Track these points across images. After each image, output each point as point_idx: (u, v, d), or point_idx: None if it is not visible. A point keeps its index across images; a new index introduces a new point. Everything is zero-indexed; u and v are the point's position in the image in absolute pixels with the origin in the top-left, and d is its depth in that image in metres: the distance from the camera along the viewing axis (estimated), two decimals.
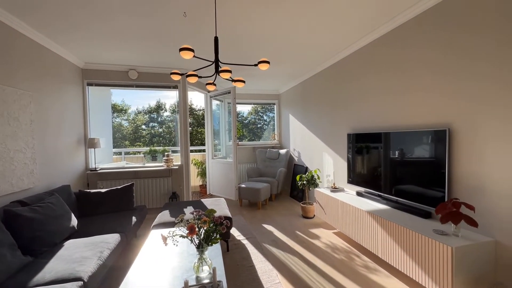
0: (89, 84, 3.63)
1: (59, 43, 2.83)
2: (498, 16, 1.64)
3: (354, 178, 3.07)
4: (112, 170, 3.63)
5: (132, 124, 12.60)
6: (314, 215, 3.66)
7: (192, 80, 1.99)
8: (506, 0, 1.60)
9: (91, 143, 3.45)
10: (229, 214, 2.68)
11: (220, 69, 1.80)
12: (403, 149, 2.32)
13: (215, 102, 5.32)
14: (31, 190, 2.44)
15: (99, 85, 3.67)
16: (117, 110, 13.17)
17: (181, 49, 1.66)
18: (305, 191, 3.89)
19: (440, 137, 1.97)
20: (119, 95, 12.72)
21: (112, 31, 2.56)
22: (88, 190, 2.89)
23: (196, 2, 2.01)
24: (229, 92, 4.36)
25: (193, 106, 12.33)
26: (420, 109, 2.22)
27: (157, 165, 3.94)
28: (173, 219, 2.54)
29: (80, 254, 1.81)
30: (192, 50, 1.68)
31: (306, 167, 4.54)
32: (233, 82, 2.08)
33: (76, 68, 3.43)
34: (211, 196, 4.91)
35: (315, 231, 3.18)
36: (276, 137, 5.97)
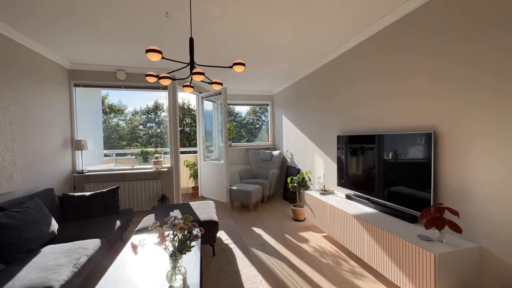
0: (76, 85, 3.57)
1: (43, 44, 2.77)
2: (482, 20, 1.60)
3: (343, 180, 3.03)
4: (100, 173, 3.57)
5: (129, 125, 12.51)
6: (305, 218, 3.61)
7: (165, 82, 1.94)
8: (487, 4, 1.56)
9: (77, 145, 3.39)
10: (215, 218, 2.63)
11: (194, 71, 1.74)
12: (390, 153, 2.28)
13: (209, 103, 5.27)
14: (10, 194, 2.38)
15: (87, 86, 3.61)
16: (113, 110, 13.08)
17: (147, 51, 1.59)
18: (296, 193, 3.84)
19: (426, 140, 1.93)
20: (116, 96, 12.62)
21: (97, 33, 2.52)
22: (72, 194, 2.83)
23: (177, 2, 1.97)
24: (220, 93, 4.31)
25: (191, 106, 12.26)
26: (408, 112, 2.19)
27: (146, 167, 3.88)
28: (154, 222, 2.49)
29: (55, 262, 1.75)
30: (159, 51, 1.62)
31: (299, 169, 4.50)
32: (212, 84, 2.04)
33: (62, 69, 3.37)
34: (202, 198, 4.86)
35: (305, 234, 3.13)
36: (269, 139, 5.93)
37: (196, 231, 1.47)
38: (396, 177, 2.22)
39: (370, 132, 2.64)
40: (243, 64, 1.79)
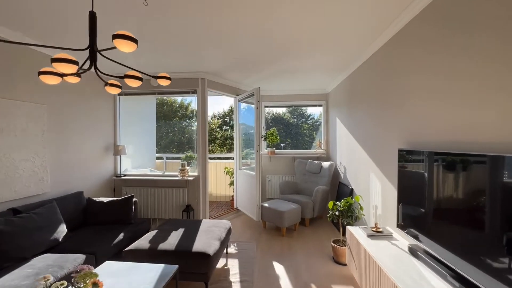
0: (120, 95, 3.82)
1: None
2: None
3: (406, 221, 1.89)
4: (134, 178, 3.69)
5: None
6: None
7: (112, 91, 1.54)
8: None
9: (116, 150, 3.59)
10: (209, 251, 2.10)
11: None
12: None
13: (251, 106, 4.82)
14: (40, 196, 2.60)
15: (128, 94, 3.81)
16: (195, 115, 14.71)
17: (115, 36, 1.18)
18: (339, 224, 2.84)
19: None
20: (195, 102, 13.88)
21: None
22: (95, 199, 2.93)
23: None
24: (253, 95, 3.76)
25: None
26: None
27: (173, 174, 3.77)
28: (149, 245, 2.18)
29: (17, 283, 1.65)
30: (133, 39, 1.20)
31: (352, 189, 3.40)
32: (158, 80, 1.52)
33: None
34: (237, 211, 4.43)
35: None
36: (322, 146, 4.92)
37: None
38: None
39: (464, 149, 1.48)
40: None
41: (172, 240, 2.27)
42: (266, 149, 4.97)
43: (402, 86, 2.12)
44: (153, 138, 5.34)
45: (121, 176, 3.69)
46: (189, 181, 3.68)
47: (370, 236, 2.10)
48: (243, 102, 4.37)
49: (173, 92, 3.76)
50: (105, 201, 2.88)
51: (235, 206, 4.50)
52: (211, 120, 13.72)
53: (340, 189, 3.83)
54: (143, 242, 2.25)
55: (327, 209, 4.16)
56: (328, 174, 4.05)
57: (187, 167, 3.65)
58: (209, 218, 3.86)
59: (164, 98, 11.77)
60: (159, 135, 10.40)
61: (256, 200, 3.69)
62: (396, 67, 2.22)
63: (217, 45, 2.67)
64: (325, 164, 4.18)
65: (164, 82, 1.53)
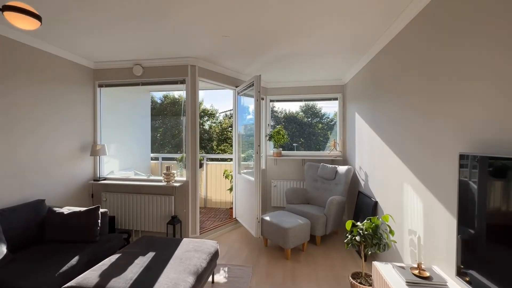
0: (101, 86, 3.32)
1: (54, 43, 2.51)
2: None
3: (472, 266, 1.16)
4: (115, 182, 3.17)
5: (218, 127, 13.18)
6: None
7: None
8: None
9: (93, 151, 3.09)
10: None
11: None
12: None
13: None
14: None
15: (109, 85, 3.30)
16: (206, 114, 14.26)
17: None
18: (361, 250, 2.12)
19: None
20: (210, 100, 13.35)
21: (108, 17, 1.97)
22: (56, 209, 2.41)
23: None
24: (253, 85, 3.12)
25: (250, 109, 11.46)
26: None
27: (157, 178, 3.21)
28: (96, 282, 1.61)
29: None
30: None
31: (376, 203, 2.65)
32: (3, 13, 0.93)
33: (84, 69, 3.17)
34: (236, 222, 3.80)
35: None
36: (337, 147, 4.17)
37: None
38: None
39: None
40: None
41: (130, 274, 1.68)
42: (272, 150, 4.30)
43: (468, 57, 1.38)
44: (147, 137, 4.85)
45: (99, 180, 3.19)
46: (176, 187, 3.10)
47: (411, 284, 1.39)
48: (244, 95, 3.73)
49: (159, 82, 3.20)
50: (65, 212, 2.35)
51: (234, 216, 3.88)
52: (223, 120, 13.21)
53: (360, 200, 3.09)
54: (91, 275, 1.68)
55: (343, 223, 3.44)
56: (344, 181, 3.32)
57: (174, 171, 3.08)
58: (200, 232, 3.26)
59: (169, 93, 11.37)
60: (161, 133, 9.96)
61: (255, 211, 3.04)
62: (457, 29, 1.48)
63: (200, 19, 2.06)
64: (341, 168, 3.45)
65: (18, 21, 0.96)
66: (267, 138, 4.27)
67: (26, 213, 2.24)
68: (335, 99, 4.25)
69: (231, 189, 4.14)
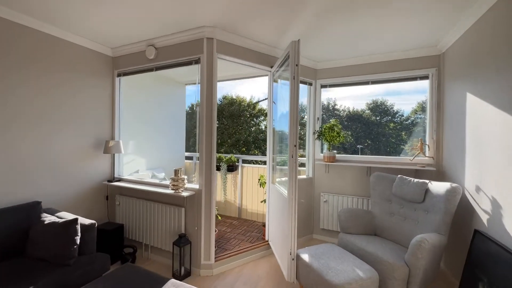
0: (119, 75, 2.96)
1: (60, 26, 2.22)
2: None
3: None
4: (126, 185, 2.72)
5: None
6: None
7: None
8: None
9: (106, 148, 2.73)
10: None
11: None
12: None
13: (303, 88, 3.17)
14: None
15: (127, 74, 2.90)
16: (263, 114, 13.83)
17: None
18: None
19: None
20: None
21: None
22: (43, 216, 2.03)
23: None
24: (289, 58, 2.12)
25: (337, 106, 9.86)
26: None
27: (165, 184, 2.58)
28: None
29: None
30: None
31: None
32: None
33: (101, 57, 2.85)
34: (268, 246, 2.86)
35: None
36: (426, 151, 2.71)
37: None
38: None
39: None
40: None
41: None
42: (323, 152, 3.18)
43: None
44: (181, 134, 4.45)
45: (112, 181, 2.81)
46: (186, 197, 2.41)
47: None
48: (283, 80, 2.77)
49: (172, 65, 2.59)
50: (46, 221, 1.94)
51: (266, 238, 2.96)
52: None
53: (478, 248, 1.70)
54: None
55: (440, 276, 2.08)
56: (444, 209, 1.95)
57: (183, 176, 2.39)
58: (216, 258, 2.48)
59: (228, 94, 11.28)
60: (228, 133, 9.93)
61: (288, 242, 2.05)
62: None
63: None
64: (437, 187, 2.09)
65: None
66: (315, 136, 3.17)
67: (10, 219, 1.92)
68: (424, 77, 2.79)
69: (264, 201, 3.23)
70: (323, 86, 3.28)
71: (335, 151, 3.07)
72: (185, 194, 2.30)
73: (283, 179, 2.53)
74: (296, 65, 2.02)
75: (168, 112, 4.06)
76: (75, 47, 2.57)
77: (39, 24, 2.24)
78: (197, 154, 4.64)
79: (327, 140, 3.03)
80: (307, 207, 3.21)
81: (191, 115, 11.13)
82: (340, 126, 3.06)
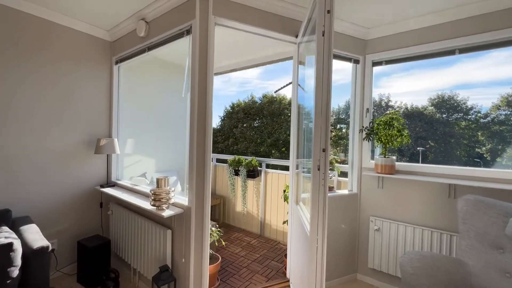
0: (116, 63, 2.53)
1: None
2: None
3: None
4: (112, 192, 2.26)
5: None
6: None
7: None
8: None
9: (98, 148, 2.32)
10: None
11: None
12: None
13: (338, 65, 2.27)
14: None
15: (123, 59, 2.45)
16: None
17: None
18: None
19: None
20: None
21: None
22: None
23: None
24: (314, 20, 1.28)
25: (391, 103, 8.31)
26: None
27: (144, 190, 1.99)
28: None
29: None
30: None
31: None
32: None
33: (96, 40, 2.47)
34: (288, 286, 2.04)
35: None
36: None
37: None
38: None
39: None
40: None
41: None
42: (375, 158, 2.19)
43: None
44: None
45: (104, 187, 2.39)
46: (175, 217, 1.78)
47: None
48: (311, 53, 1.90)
49: (163, 42, 1.99)
50: None
51: (287, 274, 2.14)
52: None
53: None
54: None
55: None
56: None
57: (167, 188, 1.77)
58: None
59: (268, 92, 10.75)
60: (267, 132, 9.45)
61: None
62: None
63: None
64: None
65: None
66: (363, 134, 2.21)
67: None
68: None
69: (285, 223, 2.39)
70: (376, 63, 2.28)
71: (393, 158, 2.06)
72: (167, 213, 1.67)
73: (308, 195, 1.67)
74: (328, 11, 1.17)
75: (184, 106, 3.57)
76: (65, 30, 2.21)
77: (26, 5, 1.92)
78: (218, 156, 4.10)
79: (381, 141, 2.05)
80: (349, 235, 2.27)
81: (230, 114, 10.94)
82: (402, 120, 2.04)
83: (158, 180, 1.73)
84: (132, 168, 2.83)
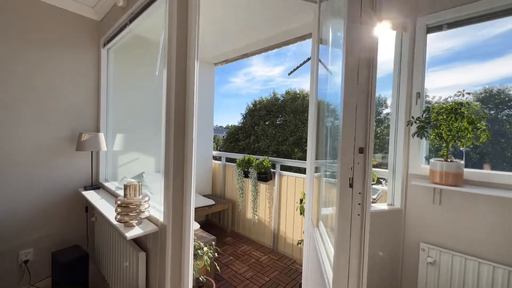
0: (104, 45, 2.18)
1: None
2: None
3: None
4: (89, 196, 1.91)
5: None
6: None
7: None
8: None
9: (79, 144, 1.99)
10: None
11: None
12: None
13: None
14: None
15: (112, 38, 2.08)
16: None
17: None
18: None
19: None
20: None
21: None
22: None
23: None
24: None
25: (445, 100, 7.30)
26: None
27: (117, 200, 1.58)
28: None
29: None
30: None
31: None
32: None
33: (82, 21, 2.13)
34: None
35: None
36: None
37: None
38: None
39: None
40: None
41: None
42: (431, 162, 1.55)
43: None
44: (209, 128, 3.52)
45: (87, 189, 2.06)
46: (149, 235, 1.35)
47: None
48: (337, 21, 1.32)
49: (141, 10, 1.57)
50: None
51: None
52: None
53: None
54: None
55: None
56: None
57: (138, 197, 1.34)
58: None
59: (290, 89, 10.30)
60: (290, 130, 8.95)
61: None
62: None
63: None
64: None
65: None
66: (414, 128, 1.57)
67: None
68: None
69: (300, 243, 1.85)
70: (431, 29, 1.62)
71: (461, 162, 1.40)
72: (132, 233, 1.24)
73: (330, 211, 1.10)
74: None
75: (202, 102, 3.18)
76: (49, 9, 1.91)
77: None
78: (227, 154, 3.64)
79: (442, 139, 1.40)
80: (389, 267, 1.66)
81: (252, 111, 10.53)
82: (476, 107, 1.37)
83: (126, 187, 1.31)
84: (128, 168, 2.49)
